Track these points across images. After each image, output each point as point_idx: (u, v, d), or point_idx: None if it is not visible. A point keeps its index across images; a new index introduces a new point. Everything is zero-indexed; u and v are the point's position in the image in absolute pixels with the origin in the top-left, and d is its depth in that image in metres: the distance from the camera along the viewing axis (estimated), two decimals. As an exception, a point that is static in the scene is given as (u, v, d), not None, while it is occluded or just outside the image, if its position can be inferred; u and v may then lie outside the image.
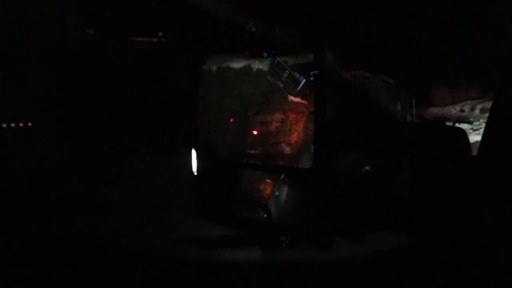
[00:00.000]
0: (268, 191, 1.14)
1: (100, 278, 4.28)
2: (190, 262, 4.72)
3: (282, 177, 1.09)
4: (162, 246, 5.01)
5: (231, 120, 1.59)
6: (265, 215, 1.11)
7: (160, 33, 14.52)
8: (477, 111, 15.19)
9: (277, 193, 1.08)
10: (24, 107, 6.43)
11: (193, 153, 1.10)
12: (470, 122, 10.52)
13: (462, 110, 15.85)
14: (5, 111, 6.09)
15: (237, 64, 1.71)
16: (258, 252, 4.71)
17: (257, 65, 1.77)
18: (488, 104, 15.18)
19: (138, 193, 6.41)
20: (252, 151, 1.46)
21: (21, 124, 6.36)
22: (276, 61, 1.62)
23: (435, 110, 16.84)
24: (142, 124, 8.21)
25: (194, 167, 1.07)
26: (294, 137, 1.39)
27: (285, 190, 1.07)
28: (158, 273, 4.51)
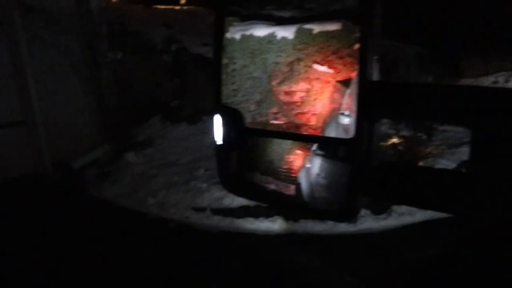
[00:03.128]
0: (298, 162, 1.06)
1: (124, 244, 4.37)
2: (212, 230, 4.75)
3: (314, 148, 0.99)
4: (185, 214, 5.05)
5: (255, 89, 1.51)
6: (295, 189, 1.02)
7: (183, 1, 14.23)
8: (511, 83, 14.49)
9: (308, 165, 1.00)
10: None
11: (217, 120, 1.04)
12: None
13: (495, 82, 15.14)
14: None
15: (261, 32, 1.59)
16: (281, 222, 4.70)
17: (281, 33, 1.64)
18: (523, 75, 14.38)
19: (162, 161, 6.45)
20: (276, 122, 1.38)
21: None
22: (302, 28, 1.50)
23: (466, 82, 16.15)
24: (165, 91, 8.18)
25: (218, 135, 1.02)
26: (319, 108, 1.31)
27: (317, 162, 0.99)
28: (181, 241, 4.58)
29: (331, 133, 1.23)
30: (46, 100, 6.32)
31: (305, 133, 1.43)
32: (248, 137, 0.81)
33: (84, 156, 6.66)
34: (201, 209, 5.07)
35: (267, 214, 4.80)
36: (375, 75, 0.65)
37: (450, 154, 5.96)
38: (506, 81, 14.93)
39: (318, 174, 0.83)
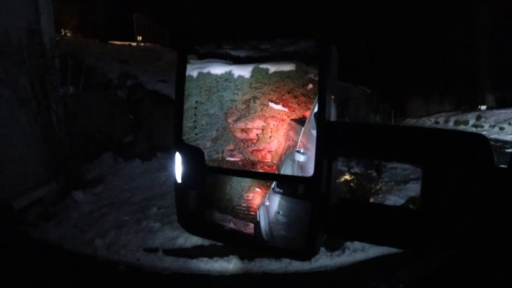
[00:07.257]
0: (257, 200, 1.04)
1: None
2: (164, 272, 4.55)
3: (273, 185, 0.99)
4: (136, 256, 4.82)
5: (211, 126, 1.51)
6: (254, 227, 1.00)
7: (140, 38, 14.33)
8: (451, 123, 15.63)
9: (267, 203, 0.99)
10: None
11: (177, 158, 1.00)
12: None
13: (436, 122, 16.29)
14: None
15: (218, 70, 1.62)
16: (236, 262, 4.60)
17: (238, 71, 1.68)
18: (462, 117, 15.60)
19: (113, 199, 6.19)
20: (232, 159, 1.38)
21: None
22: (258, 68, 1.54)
23: (411, 121, 17.28)
24: (118, 127, 8.00)
25: (178, 173, 0.98)
26: (274, 145, 1.33)
27: (277, 200, 0.97)
28: (130, 285, 4.34)
29: (287, 170, 1.24)
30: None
31: (260, 170, 1.44)
32: (208, 176, 0.80)
33: (27, 195, 6.25)
34: (153, 250, 4.86)
35: (222, 253, 4.69)
36: (333, 114, 0.68)
37: (398, 190, 6.22)
38: (446, 121, 16.07)
39: (277, 212, 0.83)
